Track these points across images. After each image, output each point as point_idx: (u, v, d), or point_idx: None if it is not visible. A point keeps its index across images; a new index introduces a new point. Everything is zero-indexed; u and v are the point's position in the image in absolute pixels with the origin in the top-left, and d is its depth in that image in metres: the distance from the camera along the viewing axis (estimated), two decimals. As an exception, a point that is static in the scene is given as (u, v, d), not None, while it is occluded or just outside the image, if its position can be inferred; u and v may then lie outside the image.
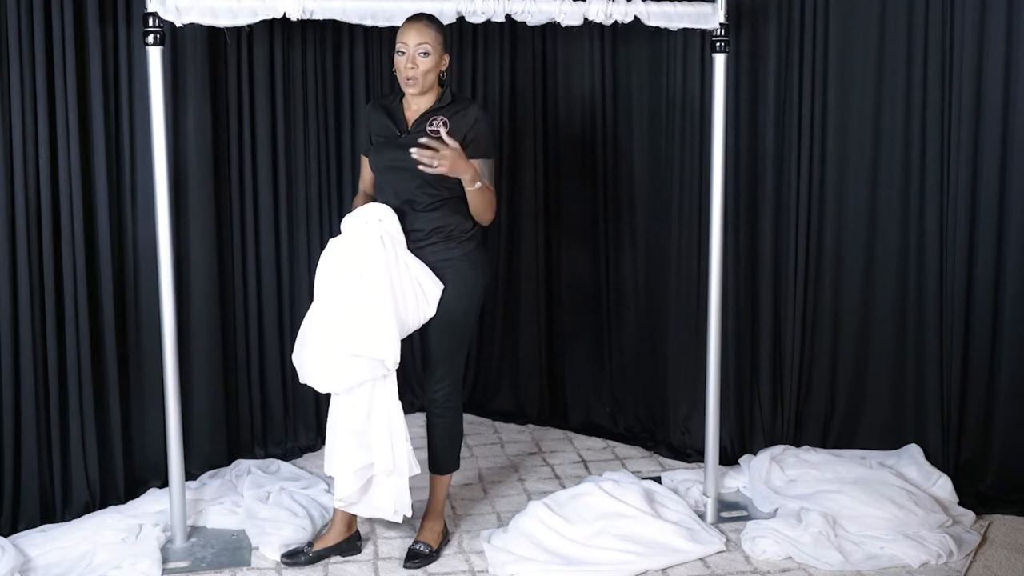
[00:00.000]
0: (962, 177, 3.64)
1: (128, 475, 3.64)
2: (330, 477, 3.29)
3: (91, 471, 3.51)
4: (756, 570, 3.20)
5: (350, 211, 3.13)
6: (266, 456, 4.02)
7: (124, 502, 3.56)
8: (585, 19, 3.35)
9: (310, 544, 3.28)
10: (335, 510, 3.25)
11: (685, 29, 3.50)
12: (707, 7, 3.43)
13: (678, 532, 3.34)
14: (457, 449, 3.36)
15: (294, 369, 3.17)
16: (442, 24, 3.15)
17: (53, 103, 3.34)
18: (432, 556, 3.26)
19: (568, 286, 4.50)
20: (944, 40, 3.65)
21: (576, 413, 4.48)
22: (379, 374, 3.06)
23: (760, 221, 3.97)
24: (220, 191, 3.86)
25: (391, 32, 3.23)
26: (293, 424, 4.17)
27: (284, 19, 3.18)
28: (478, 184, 3.05)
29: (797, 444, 3.97)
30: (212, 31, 3.64)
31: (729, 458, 3.95)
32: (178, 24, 3.06)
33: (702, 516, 3.52)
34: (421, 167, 2.98)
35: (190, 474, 3.68)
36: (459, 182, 3.07)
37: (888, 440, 3.87)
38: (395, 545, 3.36)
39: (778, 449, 3.87)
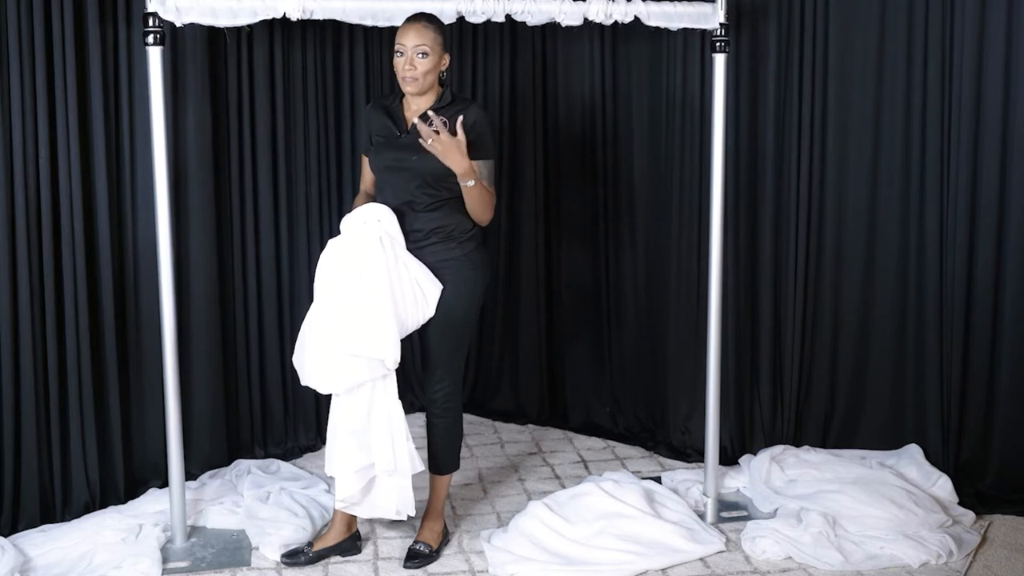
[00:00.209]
0: (962, 177, 3.64)
1: (128, 475, 3.64)
2: (330, 477, 3.29)
3: (91, 471, 3.51)
4: (756, 570, 3.20)
5: (350, 211, 3.13)
6: (266, 456, 4.02)
7: (124, 502, 3.56)
8: (585, 19, 3.35)
9: (310, 544, 3.28)
10: (335, 510, 3.25)
11: (685, 29, 3.50)
12: (707, 7, 3.43)
13: (678, 532, 3.34)
14: (457, 449, 3.36)
15: (294, 369, 3.17)
16: (442, 24, 3.14)
17: (53, 103, 3.34)
18: (432, 556, 3.26)
19: (568, 286, 4.50)
20: (944, 40, 3.65)
21: (576, 413, 4.48)
22: (379, 374, 3.06)
23: (760, 221, 3.98)
24: (220, 191, 3.85)
25: (391, 32, 3.23)
26: (293, 424, 4.17)
27: (284, 19, 3.18)
28: (471, 182, 3.03)
29: (797, 444, 3.97)
30: (212, 31, 3.64)
31: (729, 458, 3.95)
32: (178, 24, 3.06)
33: (702, 516, 3.52)
34: (420, 140, 2.97)
35: (190, 474, 3.68)
36: (458, 182, 3.07)
37: (888, 440, 3.87)
38: (395, 545, 3.36)
39: (778, 449, 3.87)
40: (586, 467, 4.04)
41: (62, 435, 3.46)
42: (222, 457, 3.92)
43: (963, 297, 3.68)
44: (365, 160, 3.30)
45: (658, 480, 3.78)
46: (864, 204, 3.85)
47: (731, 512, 3.59)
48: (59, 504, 3.46)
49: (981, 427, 3.70)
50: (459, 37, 4.41)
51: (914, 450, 3.77)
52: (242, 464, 3.88)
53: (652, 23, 3.40)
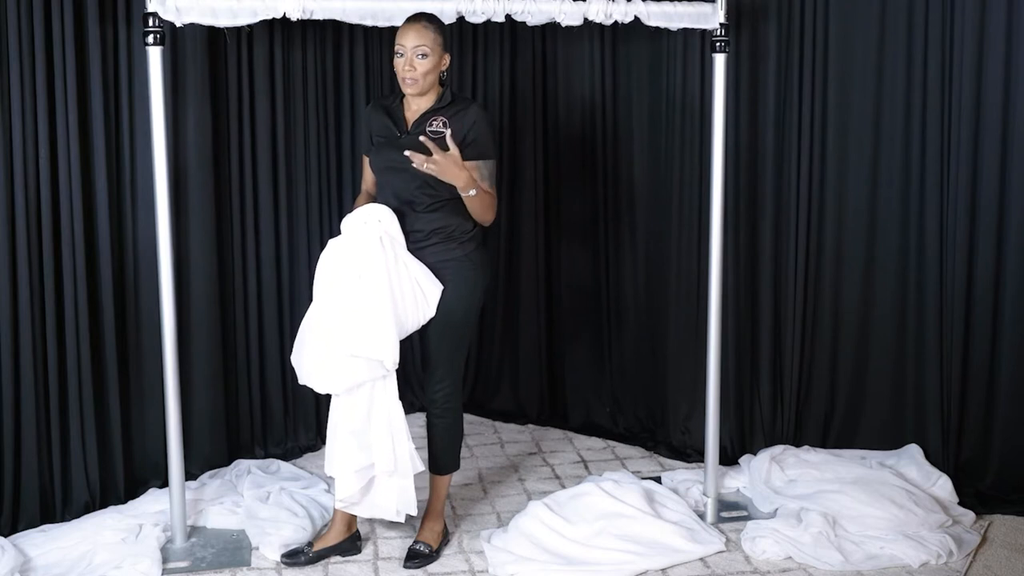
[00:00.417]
0: (962, 177, 3.64)
1: (128, 475, 3.64)
2: (330, 477, 3.29)
3: (91, 471, 3.51)
4: (756, 570, 3.20)
5: (351, 211, 3.13)
6: (266, 456, 4.02)
7: (124, 502, 3.56)
8: (585, 19, 3.35)
9: (310, 544, 3.28)
10: (335, 510, 3.25)
11: (685, 29, 3.50)
12: (707, 7, 3.43)
13: (678, 532, 3.34)
14: (457, 449, 3.36)
15: (294, 369, 3.17)
16: (442, 24, 3.13)
17: (53, 103, 3.34)
18: (432, 556, 3.26)
19: (568, 286, 4.50)
20: (944, 40, 3.65)
21: (576, 413, 4.48)
22: (378, 375, 3.06)
23: (760, 221, 3.98)
24: (220, 191, 3.85)
25: (391, 32, 3.23)
26: (293, 424, 4.17)
27: (284, 19, 3.18)
28: (472, 191, 3.03)
29: (797, 444, 3.97)
30: (212, 31, 3.64)
31: (729, 458, 3.95)
32: (178, 24, 3.05)
33: (702, 516, 3.52)
34: (414, 165, 2.98)
35: (190, 474, 3.69)
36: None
37: (888, 440, 3.87)
38: (395, 545, 3.36)
39: (778, 449, 3.87)
40: (586, 467, 4.04)
41: (62, 435, 3.46)
42: (222, 457, 3.92)
43: (963, 297, 3.68)
44: (366, 160, 3.30)
45: (658, 480, 3.78)
46: (864, 204, 3.86)
47: (731, 512, 3.59)
48: (59, 504, 3.46)
49: (981, 427, 3.70)
50: (459, 37, 4.41)
51: (914, 450, 3.77)
52: (242, 464, 3.88)
53: (652, 23, 3.40)
